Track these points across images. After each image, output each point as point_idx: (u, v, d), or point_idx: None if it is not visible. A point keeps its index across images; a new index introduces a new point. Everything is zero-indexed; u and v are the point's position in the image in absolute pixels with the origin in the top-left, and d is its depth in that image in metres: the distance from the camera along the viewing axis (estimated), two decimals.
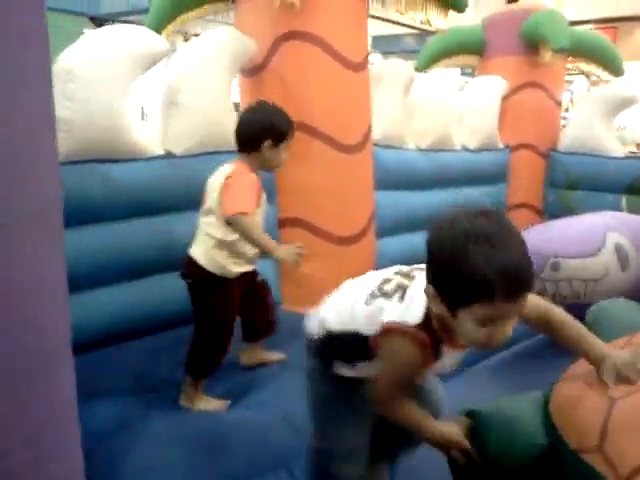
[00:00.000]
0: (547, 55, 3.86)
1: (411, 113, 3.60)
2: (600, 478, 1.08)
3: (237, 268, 1.98)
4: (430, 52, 4.38)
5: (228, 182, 1.91)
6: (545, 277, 2.03)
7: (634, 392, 1.14)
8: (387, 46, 11.30)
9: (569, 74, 4.69)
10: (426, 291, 1.16)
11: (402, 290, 1.26)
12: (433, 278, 1.14)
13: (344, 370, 1.39)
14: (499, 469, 1.27)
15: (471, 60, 4.44)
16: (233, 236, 1.92)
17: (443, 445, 1.29)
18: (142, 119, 4.43)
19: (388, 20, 10.06)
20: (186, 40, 4.34)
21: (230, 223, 1.88)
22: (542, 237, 2.16)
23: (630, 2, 12.30)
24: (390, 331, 1.22)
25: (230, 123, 2.18)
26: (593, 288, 2.03)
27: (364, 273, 1.42)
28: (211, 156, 2.42)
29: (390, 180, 3.32)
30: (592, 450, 1.12)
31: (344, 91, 2.66)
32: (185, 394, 1.94)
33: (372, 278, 1.36)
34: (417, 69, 4.39)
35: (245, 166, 1.97)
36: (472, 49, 4.37)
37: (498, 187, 4.23)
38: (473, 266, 1.05)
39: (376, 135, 3.16)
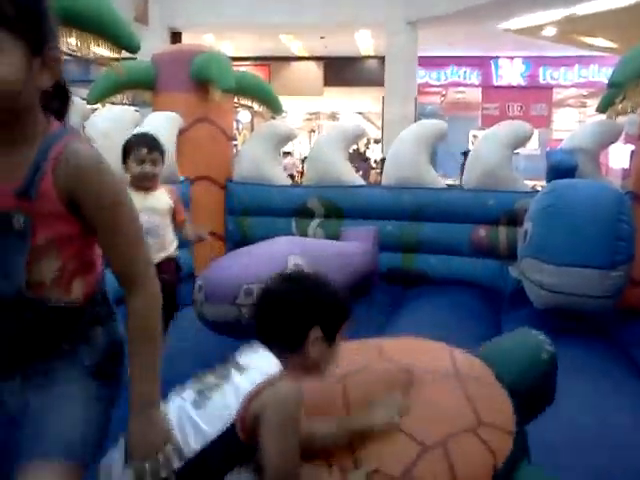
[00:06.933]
0: (216, 95, 4.16)
1: None
2: None
3: None
4: (102, 86, 4.32)
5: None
6: (240, 303, 2.23)
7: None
8: None
9: (235, 106, 5.11)
10: (313, 339, 1.29)
11: (235, 369, 1.29)
12: (319, 321, 1.30)
13: None
14: None
15: (145, 95, 4.53)
16: None
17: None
18: None
19: None
20: None
21: None
22: (233, 266, 2.36)
23: (280, 44, 13.81)
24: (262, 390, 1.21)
25: None
26: None
27: None
28: None
29: None
30: None
31: None
32: None
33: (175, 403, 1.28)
34: (89, 102, 4.32)
35: None
36: (144, 84, 4.46)
37: None
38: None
39: None
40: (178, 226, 2.78)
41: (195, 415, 1.22)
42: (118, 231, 1.16)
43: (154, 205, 2.62)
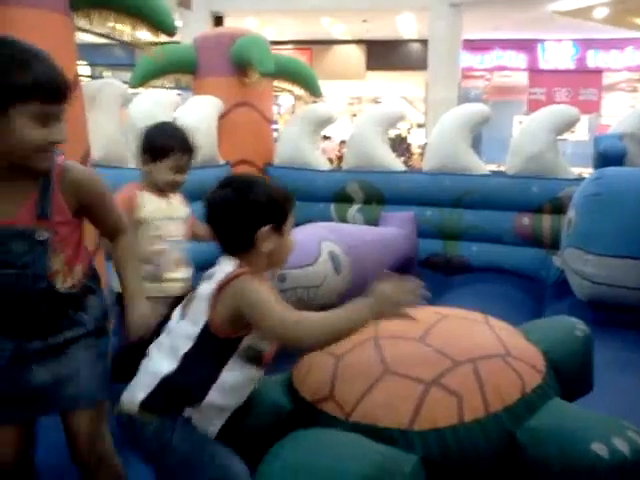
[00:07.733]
0: (255, 78, 4.15)
1: (130, 132, 3.56)
2: (331, 419, 1.35)
3: None
4: (144, 70, 4.36)
5: None
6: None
7: (353, 348, 1.47)
8: (97, 57, 10.84)
9: (276, 90, 5.10)
10: (261, 236, 1.40)
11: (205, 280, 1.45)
12: (262, 219, 1.42)
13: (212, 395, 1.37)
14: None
15: (185, 78, 4.55)
16: None
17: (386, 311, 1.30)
18: None
19: (92, 32, 9.63)
20: None
21: None
22: None
23: (322, 28, 13.71)
24: (231, 281, 1.36)
25: None
26: (315, 293, 2.28)
27: None
28: None
29: None
30: (325, 399, 1.41)
31: None
32: None
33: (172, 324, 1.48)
34: (132, 86, 4.36)
35: None
36: (185, 68, 4.48)
37: None
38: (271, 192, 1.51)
39: (96, 156, 3.06)
40: (200, 237, 2.32)
41: (180, 325, 1.43)
42: (107, 209, 1.58)
43: (179, 213, 2.28)
